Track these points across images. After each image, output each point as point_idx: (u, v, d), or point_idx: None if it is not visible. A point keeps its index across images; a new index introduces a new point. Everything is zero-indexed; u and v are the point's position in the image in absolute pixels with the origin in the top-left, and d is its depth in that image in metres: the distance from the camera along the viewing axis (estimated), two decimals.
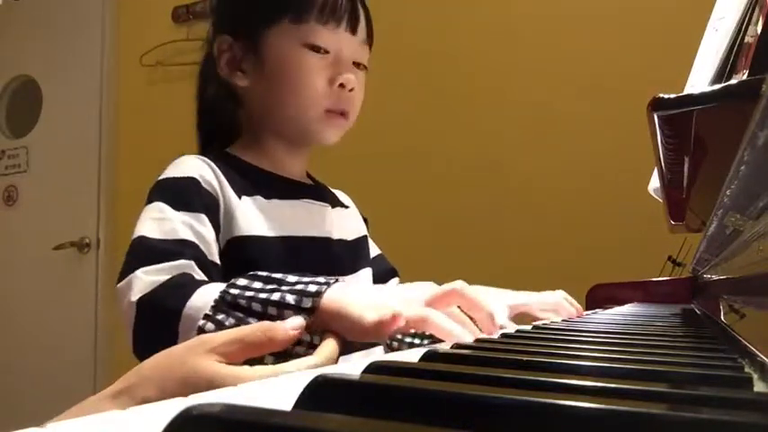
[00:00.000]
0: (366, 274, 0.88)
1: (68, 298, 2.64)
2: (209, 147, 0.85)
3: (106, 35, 2.69)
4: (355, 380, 0.24)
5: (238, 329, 0.45)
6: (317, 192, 0.87)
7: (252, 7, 0.80)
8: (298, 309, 0.50)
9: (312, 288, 0.52)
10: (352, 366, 0.29)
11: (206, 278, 0.64)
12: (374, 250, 0.95)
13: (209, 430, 0.17)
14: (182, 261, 0.63)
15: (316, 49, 0.77)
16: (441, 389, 0.22)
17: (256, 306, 0.53)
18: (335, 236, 0.84)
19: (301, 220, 0.80)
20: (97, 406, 0.41)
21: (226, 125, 0.86)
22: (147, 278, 0.60)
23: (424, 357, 0.35)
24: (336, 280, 0.54)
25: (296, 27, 0.77)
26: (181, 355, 0.43)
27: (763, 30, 0.51)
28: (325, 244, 0.82)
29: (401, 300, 0.53)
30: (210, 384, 0.40)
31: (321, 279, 0.54)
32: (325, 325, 0.51)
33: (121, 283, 0.62)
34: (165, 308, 0.57)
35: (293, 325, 0.47)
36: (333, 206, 0.87)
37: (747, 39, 0.58)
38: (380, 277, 0.92)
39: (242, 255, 0.71)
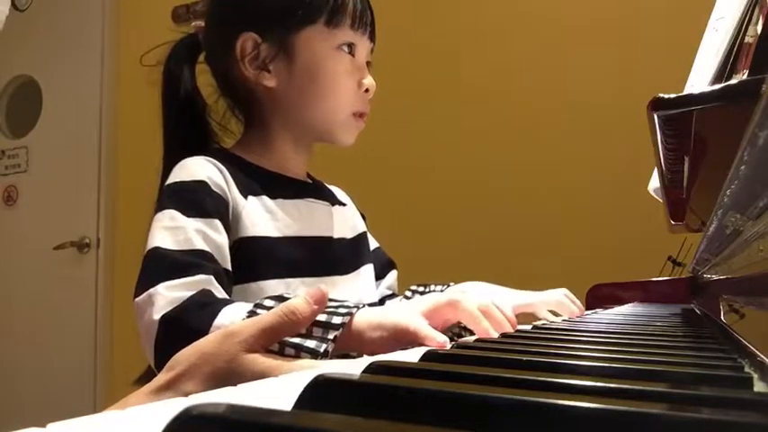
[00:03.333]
0: (368, 270, 0.89)
1: (68, 298, 2.64)
2: (179, 149, 0.80)
3: (106, 35, 2.69)
4: (355, 380, 0.24)
5: (261, 318, 0.46)
6: (319, 191, 0.88)
7: (287, 7, 0.78)
8: (327, 325, 0.50)
9: (342, 310, 0.52)
10: (353, 366, 0.29)
11: (225, 293, 0.65)
12: (372, 243, 0.96)
13: (210, 430, 0.17)
14: (202, 276, 0.63)
15: (348, 52, 0.80)
16: (441, 389, 0.22)
17: None
18: (336, 235, 0.84)
19: (305, 220, 0.80)
20: (141, 402, 0.42)
21: (199, 124, 0.83)
22: (168, 294, 0.60)
23: (424, 357, 0.35)
24: (364, 306, 0.55)
25: (329, 30, 0.78)
26: (214, 351, 0.44)
27: (763, 30, 0.51)
28: (327, 243, 0.82)
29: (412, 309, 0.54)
30: (256, 379, 0.41)
31: (350, 303, 0.54)
32: (351, 345, 0.51)
33: (141, 297, 0.62)
34: (190, 327, 0.57)
35: (314, 297, 0.46)
36: (332, 205, 0.87)
37: (747, 39, 0.58)
38: (380, 270, 0.93)
39: (248, 255, 0.71)
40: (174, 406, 0.18)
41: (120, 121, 2.68)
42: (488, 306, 0.54)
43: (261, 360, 0.43)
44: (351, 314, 0.51)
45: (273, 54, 0.78)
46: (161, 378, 0.43)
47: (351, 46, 0.80)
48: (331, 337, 0.49)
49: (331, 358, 0.50)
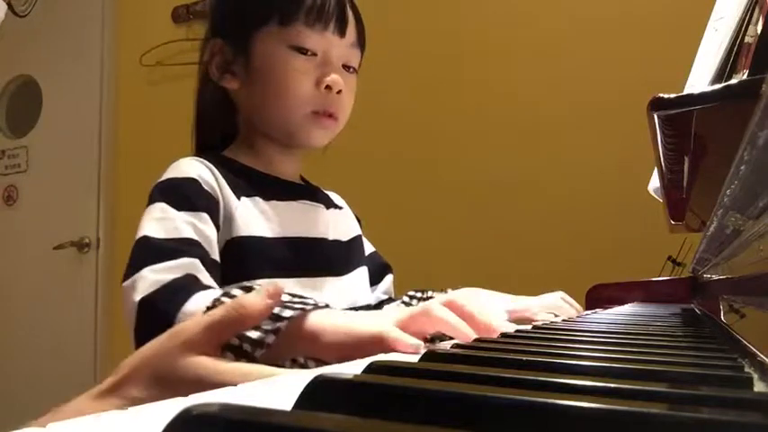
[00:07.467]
0: (362, 272, 0.89)
1: (68, 298, 2.64)
2: (206, 150, 0.84)
3: (106, 35, 2.69)
4: (355, 380, 0.24)
5: (207, 315, 0.43)
6: (314, 194, 0.88)
7: (241, 10, 0.80)
8: (277, 318, 0.48)
9: (297, 305, 0.50)
10: (353, 366, 0.29)
11: (210, 277, 0.64)
12: (368, 248, 0.96)
13: (209, 430, 0.17)
14: (186, 259, 0.63)
15: (302, 51, 0.77)
16: (441, 389, 0.22)
17: None
18: (331, 236, 0.84)
19: (299, 221, 0.80)
20: (82, 407, 0.40)
21: (221, 129, 0.85)
22: (151, 277, 0.61)
23: (424, 357, 0.35)
24: (327, 305, 0.52)
25: (283, 29, 0.78)
26: (156, 354, 0.42)
27: (763, 30, 0.51)
28: (321, 244, 0.82)
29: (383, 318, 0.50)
30: (197, 384, 0.39)
31: (313, 301, 0.52)
32: (303, 347, 0.49)
33: (127, 282, 0.62)
34: (161, 311, 0.57)
35: (269, 291, 0.44)
36: (327, 207, 0.87)
37: (747, 39, 0.58)
38: (375, 274, 0.93)
39: (241, 255, 0.72)
40: (173, 406, 0.18)
41: (120, 121, 2.67)
42: (465, 309, 0.49)
43: (204, 364, 0.41)
44: (304, 309, 0.49)
45: (233, 57, 0.80)
46: (107, 381, 0.41)
47: (306, 43, 0.77)
48: (274, 328, 0.46)
49: (291, 367, 0.49)
